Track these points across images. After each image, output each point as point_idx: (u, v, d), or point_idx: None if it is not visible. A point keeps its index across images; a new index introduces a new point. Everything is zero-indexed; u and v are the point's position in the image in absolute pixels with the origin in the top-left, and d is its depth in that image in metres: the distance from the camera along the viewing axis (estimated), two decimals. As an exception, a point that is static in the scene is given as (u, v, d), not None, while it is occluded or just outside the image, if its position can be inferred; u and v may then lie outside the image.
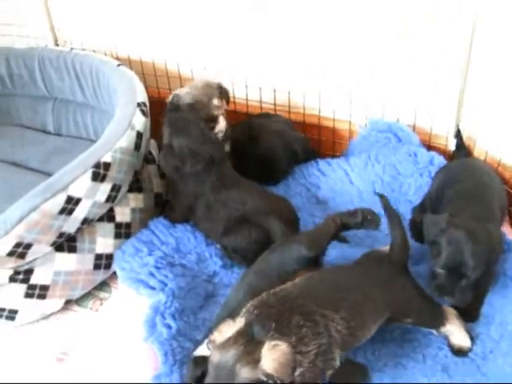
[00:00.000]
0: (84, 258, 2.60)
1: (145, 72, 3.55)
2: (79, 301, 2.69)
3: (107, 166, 2.50)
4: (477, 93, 2.77)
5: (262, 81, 3.27)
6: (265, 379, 1.61)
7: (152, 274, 2.47)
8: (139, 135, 2.71)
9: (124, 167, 2.61)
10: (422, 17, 2.67)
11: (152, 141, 3.03)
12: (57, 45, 3.76)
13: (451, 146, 2.95)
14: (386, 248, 2.27)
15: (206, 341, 1.81)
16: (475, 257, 2.07)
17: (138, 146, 2.70)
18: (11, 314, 2.53)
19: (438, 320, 2.15)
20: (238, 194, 2.59)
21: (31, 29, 3.79)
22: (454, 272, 2.11)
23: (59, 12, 3.67)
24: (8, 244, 2.30)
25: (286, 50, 3.12)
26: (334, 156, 3.20)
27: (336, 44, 2.97)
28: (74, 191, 2.39)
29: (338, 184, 2.96)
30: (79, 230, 2.55)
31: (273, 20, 3.06)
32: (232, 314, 1.97)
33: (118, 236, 2.70)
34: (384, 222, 2.31)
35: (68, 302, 2.64)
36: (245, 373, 1.63)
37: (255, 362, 1.63)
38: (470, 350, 2.16)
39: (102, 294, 2.72)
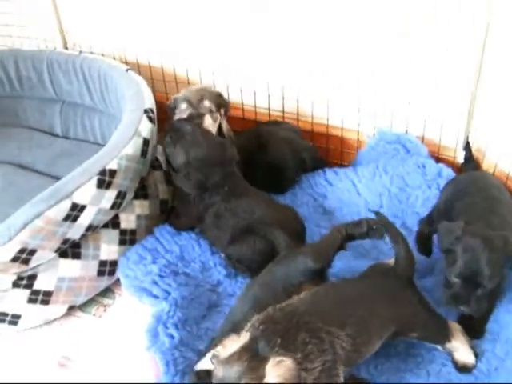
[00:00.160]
0: (88, 265, 2.59)
1: (153, 77, 3.55)
2: (82, 307, 2.67)
3: (113, 173, 2.49)
4: (486, 105, 2.75)
5: (271, 88, 3.26)
6: None
7: (155, 283, 2.47)
8: (146, 142, 2.69)
9: (130, 174, 2.59)
10: (434, 20, 2.66)
11: (159, 147, 3.01)
12: (66, 48, 3.77)
13: (460, 158, 2.92)
14: (392, 260, 2.25)
15: (210, 355, 1.80)
16: (491, 265, 2.05)
17: (144, 153, 2.68)
18: (14, 319, 2.51)
19: (444, 335, 2.13)
20: (247, 203, 2.58)
21: (40, 31, 3.79)
22: (469, 281, 2.09)
23: (69, 15, 3.68)
24: (12, 250, 2.29)
25: (294, 57, 3.11)
26: (341, 165, 3.18)
27: (344, 52, 2.96)
28: (79, 198, 2.38)
29: (345, 194, 2.95)
30: (83, 236, 2.54)
31: (281, 26, 3.04)
32: (236, 327, 1.96)
33: (122, 243, 2.69)
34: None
35: (71, 308, 2.62)
36: None
37: (259, 378, 1.62)
38: (475, 366, 2.13)
39: (106, 301, 2.70)
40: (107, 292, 2.73)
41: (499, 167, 2.77)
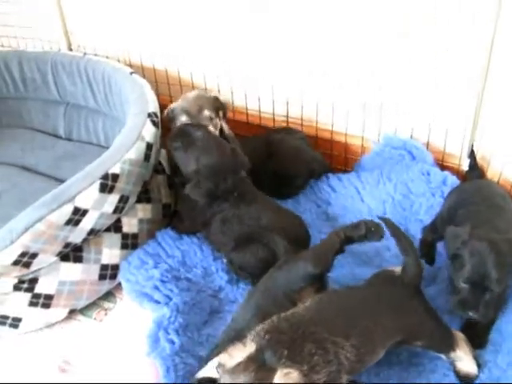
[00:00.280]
0: (89, 269, 2.58)
1: (158, 80, 3.55)
2: (83, 310, 2.66)
3: (115, 177, 2.48)
4: (492, 113, 2.73)
5: (275, 93, 3.24)
6: None
7: (157, 288, 2.46)
8: (149, 146, 2.68)
9: (132, 178, 2.58)
10: (439, 23, 2.65)
11: (162, 150, 3.00)
12: (70, 49, 3.77)
13: (464, 165, 2.91)
14: (396, 267, 2.24)
15: (213, 363, 1.81)
16: (499, 269, 2.05)
17: (147, 157, 2.67)
18: (15, 322, 2.51)
19: (449, 344, 2.11)
20: (255, 209, 2.56)
21: (45, 32, 3.79)
22: (477, 286, 2.08)
23: (73, 16, 3.68)
24: (13, 253, 2.28)
25: (298, 61, 3.09)
26: (345, 171, 3.17)
27: (349, 56, 2.95)
28: (81, 202, 2.37)
29: (348, 201, 2.93)
30: (85, 240, 2.53)
31: (285, 30, 3.03)
32: (239, 334, 1.95)
33: (124, 247, 2.68)
34: (391, 240, 2.28)
35: (72, 312, 2.62)
36: None
37: None
38: (477, 377, 2.11)
39: (107, 304, 2.69)
40: (108, 296, 2.73)
41: (504, 175, 2.75)
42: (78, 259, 2.55)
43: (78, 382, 2.38)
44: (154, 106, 2.90)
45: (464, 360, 2.12)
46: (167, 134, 2.84)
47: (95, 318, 2.64)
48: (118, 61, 3.55)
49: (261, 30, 3.09)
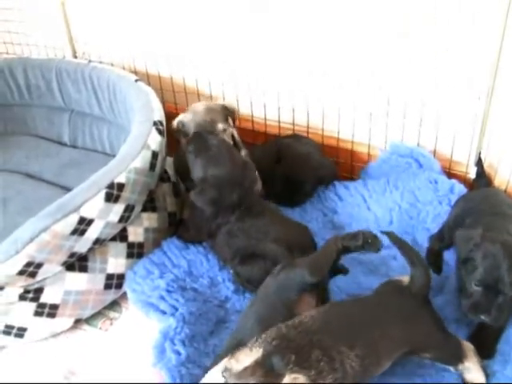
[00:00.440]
0: (95, 278, 2.57)
1: (163, 87, 3.54)
2: (89, 320, 2.65)
3: (121, 186, 2.46)
4: (499, 120, 2.72)
5: (281, 100, 3.23)
6: None
7: (163, 298, 2.44)
8: (155, 155, 2.67)
9: (138, 187, 2.57)
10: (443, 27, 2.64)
11: (168, 158, 2.99)
12: (75, 56, 3.78)
13: (472, 173, 2.89)
14: (403, 277, 2.22)
15: (219, 368, 1.80)
16: None
17: (153, 166, 2.66)
18: (20, 332, 2.49)
19: (458, 356, 2.08)
20: (262, 223, 2.54)
21: (50, 40, 3.80)
22: (490, 289, 2.06)
23: (78, 24, 3.68)
24: (19, 263, 2.27)
25: (304, 69, 3.09)
26: (351, 179, 3.15)
27: (356, 63, 2.94)
28: (87, 212, 2.35)
29: (355, 209, 2.92)
30: (91, 249, 2.52)
31: (289, 38, 3.03)
32: (240, 343, 1.94)
33: (130, 256, 2.66)
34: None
35: (78, 321, 2.60)
36: None
37: None
38: (486, 388, 2.10)
39: (112, 314, 2.68)
40: (114, 305, 2.71)
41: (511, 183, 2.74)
42: (84, 269, 2.54)
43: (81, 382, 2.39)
44: (159, 114, 2.89)
45: (472, 371, 2.09)
46: (173, 143, 2.84)
47: (100, 328, 2.63)
48: (123, 68, 3.56)
49: (266, 37, 3.09)
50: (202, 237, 2.68)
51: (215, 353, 2.27)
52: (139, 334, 2.49)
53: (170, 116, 3.00)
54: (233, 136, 2.94)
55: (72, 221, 2.32)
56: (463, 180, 2.90)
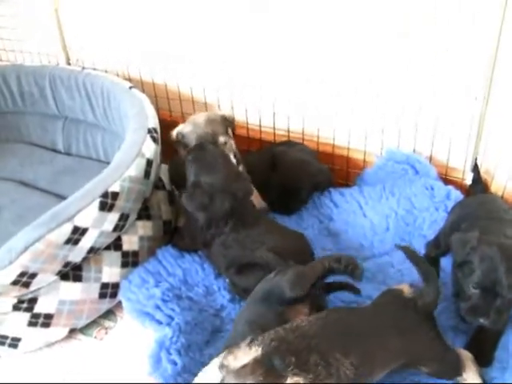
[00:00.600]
0: (89, 287, 2.55)
1: (157, 94, 3.53)
2: (84, 329, 2.63)
3: (115, 195, 2.45)
4: (495, 126, 2.71)
5: (276, 106, 3.22)
6: None
7: (158, 307, 2.42)
8: (149, 163, 2.66)
9: (132, 196, 2.56)
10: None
11: (163, 166, 2.98)
12: (69, 63, 3.77)
13: (468, 179, 2.89)
14: (402, 286, 2.21)
15: (212, 363, 1.81)
16: (510, 274, 2.01)
17: (147, 174, 2.64)
18: (14, 342, 2.47)
19: (456, 370, 2.06)
20: (257, 233, 2.52)
21: (43, 46, 3.79)
22: (487, 292, 2.05)
23: (72, 30, 3.68)
24: (12, 273, 2.25)
25: (299, 76, 3.09)
26: (347, 185, 3.14)
27: (353, 70, 2.94)
28: (81, 221, 2.34)
29: (350, 216, 2.90)
30: (85, 258, 2.50)
31: (286, 45, 3.03)
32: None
33: (124, 265, 2.64)
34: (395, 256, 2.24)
35: (72, 331, 2.59)
36: None
37: None
38: (484, 396, 2.08)
39: (107, 323, 2.66)
40: (109, 314, 2.70)
41: (508, 189, 2.72)
42: (78, 278, 2.52)
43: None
44: (153, 122, 2.87)
45: (470, 380, 2.08)
46: (167, 150, 2.82)
47: (96, 337, 2.61)
48: (117, 75, 3.55)
49: (261, 44, 3.09)
50: (196, 246, 2.67)
51: (211, 362, 2.26)
52: (134, 343, 2.48)
53: (164, 123, 2.99)
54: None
55: (66, 230, 2.30)
56: (459, 186, 2.89)
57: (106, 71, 3.57)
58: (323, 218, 2.96)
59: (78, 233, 2.34)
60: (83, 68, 3.52)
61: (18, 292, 2.35)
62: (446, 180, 2.95)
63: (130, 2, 3.36)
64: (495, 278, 2.03)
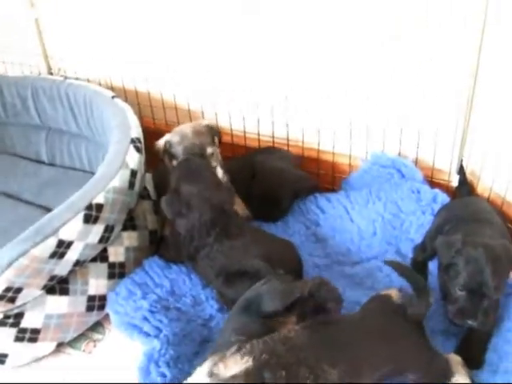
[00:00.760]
0: (76, 301, 2.52)
1: (140, 102, 3.51)
2: (72, 343, 2.60)
3: (99, 207, 2.42)
4: (481, 128, 2.72)
5: (260, 112, 3.21)
6: None
7: (146, 319, 2.40)
8: (133, 173, 2.64)
9: (117, 207, 2.53)
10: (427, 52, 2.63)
11: (147, 175, 2.96)
12: (50, 73, 3.74)
13: (454, 181, 2.89)
14: (390, 291, 2.21)
15: (200, 370, 1.80)
16: (496, 275, 2.03)
17: (132, 185, 2.62)
18: (1, 358, 2.45)
19: (445, 376, 2.06)
20: (242, 243, 2.50)
21: (25, 57, 3.75)
22: (474, 293, 2.07)
23: (53, 40, 3.65)
24: (-3, 289, 2.23)
25: (283, 82, 3.08)
26: (333, 190, 3.13)
27: (334, 74, 2.93)
28: (66, 235, 2.31)
29: (337, 222, 2.89)
30: (71, 271, 2.48)
31: (267, 50, 3.02)
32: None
33: (111, 276, 2.62)
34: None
35: (60, 345, 2.56)
36: None
37: None
38: (473, 399, 2.08)
39: (96, 336, 2.64)
40: (97, 326, 2.67)
41: (494, 190, 2.74)
42: (65, 291, 2.49)
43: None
44: (136, 132, 2.85)
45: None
46: (152, 159, 2.80)
47: (84, 350, 2.59)
48: (100, 84, 3.52)
49: (244, 51, 3.08)
50: (181, 258, 2.64)
51: (200, 373, 2.25)
52: (124, 356, 2.46)
53: (148, 131, 2.98)
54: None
55: (51, 244, 2.28)
56: (446, 188, 2.89)
57: (88, 80, 3.55)
58: (310, 223, 2.95)
59: (63, 246, 2.32)
60: (65, 78, 3.50)
61: (3, 307, 2.33)
62: (433, 182, 2.94)
63: (111, 10, 3.33)
64: (481, 279, 2.04)
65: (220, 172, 2.74)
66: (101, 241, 2.49)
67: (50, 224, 2.31)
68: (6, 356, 2.45)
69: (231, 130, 3.33)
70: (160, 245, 2.85)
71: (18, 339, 2.43)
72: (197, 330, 2.44)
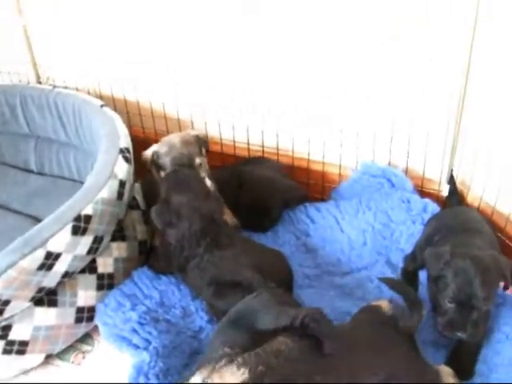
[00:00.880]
0: (65, 312, 2.50)
1: (129, 111, 3.49)
2: (60, 354, 2.58)
3: (88, 218, 2.40)
4: (470, 137, 2.72)
5: (250, 122, 3.20)
6: None
7: (135, 331, 2.38)
8: (122, 184, 2.62)
9: (106, 218, 2.51)
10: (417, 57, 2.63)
11: (136, 184, 2.94)
12: (39, 82, 3.73)
13: (444, 191, 2.89)
14: (380, 302, 2.21)
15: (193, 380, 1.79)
16: (485, 286, 2.03)
17: (120, 195, 2.61)
18: (-11, 371, 2.43)
19: None
20: (232, 253, 2.49)
21: (13, 65, 3.74)
22: (463, 305, 2.06)
23: (42, 49, 3.64)
24: (-16, 301, 2.21)
25: (273, 91, 3.07)
26: (322, 200, 3.13)
27: (325, 84, 2.93)
28: (54, 246, 2.29)
29: (327, 232, 2.89)
30: (60, 283, 2.45)
31: (256, 60, 3.02)
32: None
33: (100, 288, 2.60)
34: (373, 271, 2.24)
35: (49, 357, 2.54)
36: None
37: None
38: (464, 410, 2.07)
39: (85, 347, 2.62)
40: (86, 338, 2.65)
41: (484, 200, 2.74)
42: (53, 303, 2.47)
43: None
44: (125, 141, 2.83)
45: (451, 396, 2.08)
46: (141, 169, 2.79)
47: (73, 362, 2.57)
48: (88, 92, 3.51)
49: (233, 60, 3.07)
50: (172, 269, 2.62)
51: (190, 385, 2.23)
52: (113, 368, 2.44)
53: (137, 140, 2.97)
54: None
55: (39, 256, 2.26)
56: (436, 198, 2.89)
57: (76, 89, 3.55)
58: (300, 233, 2.94)
59: (52, 258, 2.30)
60: (54, 86, 3.49)
61: (-10, 320, 2.31)
62: (423, 192, 2.95)
63: (100, 18, 3.32)
64: (470, 291, 2.04)
65: (208, 182, 2.73)
66: (89, 252, 2.47)
67: (38, 235, 2.29)
68: (-7, 368, 2.42)
69: (221, 139, 3.32)
70: (150, 255, 2.83)
71: (6, 352, 2.40)
72: (186, 341, 2.42)
